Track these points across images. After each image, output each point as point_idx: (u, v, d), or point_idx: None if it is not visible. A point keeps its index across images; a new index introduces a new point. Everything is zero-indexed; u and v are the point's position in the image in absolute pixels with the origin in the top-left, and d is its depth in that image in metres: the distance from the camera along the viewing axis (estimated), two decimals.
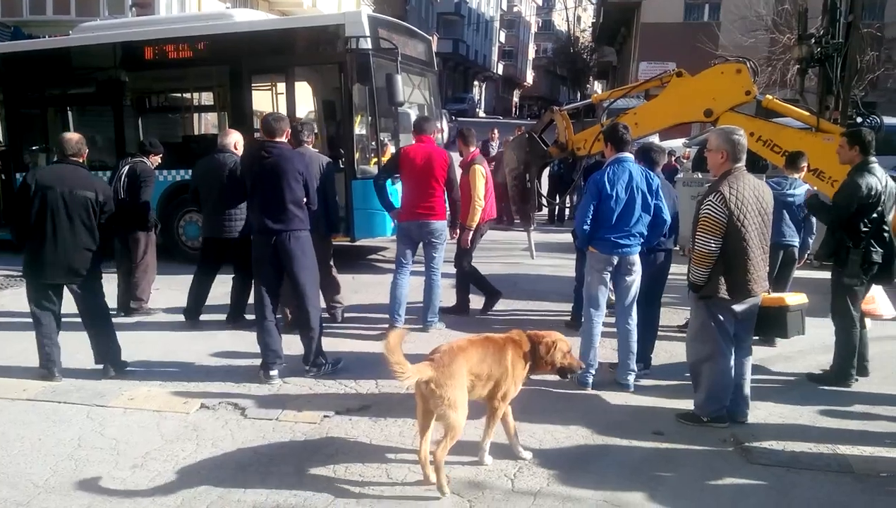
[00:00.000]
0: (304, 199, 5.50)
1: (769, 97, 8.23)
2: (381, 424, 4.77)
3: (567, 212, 14.58)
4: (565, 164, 13.13)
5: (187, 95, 11.27)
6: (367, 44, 8.76)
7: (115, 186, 7.18)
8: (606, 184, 5.32)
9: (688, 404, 5.10)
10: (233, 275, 7.08)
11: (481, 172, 7.21)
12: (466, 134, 7.63)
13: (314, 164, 6.29)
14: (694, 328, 4.87)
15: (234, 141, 6.99)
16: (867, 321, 5.92)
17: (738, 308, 4.64)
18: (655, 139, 19.72)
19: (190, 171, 7.64)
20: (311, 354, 5.64)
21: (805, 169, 6.82)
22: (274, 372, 5.50)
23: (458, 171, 7.14)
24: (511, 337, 4.24)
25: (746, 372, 4.87)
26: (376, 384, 5.48)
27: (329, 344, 6.41)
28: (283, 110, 10.20)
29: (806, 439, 4.64)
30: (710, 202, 4.51)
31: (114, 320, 6.98)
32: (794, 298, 5.24)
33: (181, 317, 7.15)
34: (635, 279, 5.46)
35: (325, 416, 4.88)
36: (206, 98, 11.21)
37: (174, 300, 7.51)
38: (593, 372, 5.49)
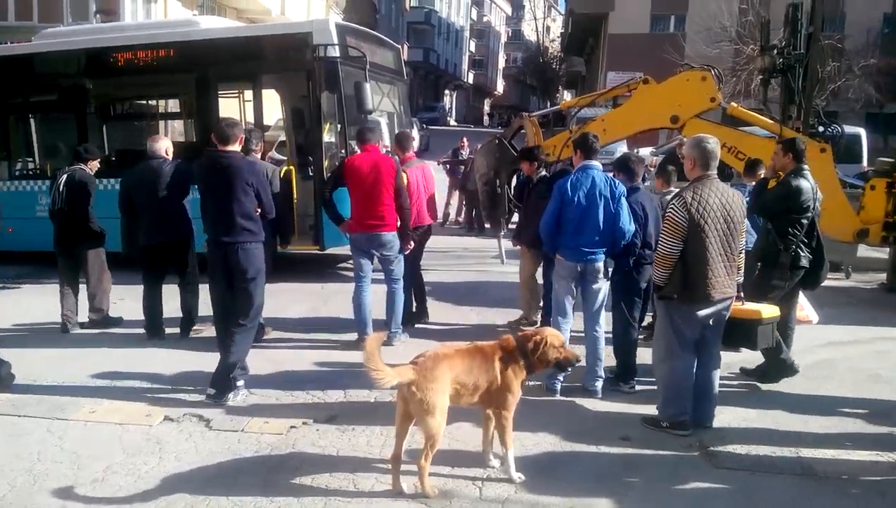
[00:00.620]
0: (258, 210, 5.37)
1: (734, 105, 8.39)
2: (349, 434, 4.73)
3: None
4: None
5: (153, 103, 11.13)
6: (334, 52, 8.73)
7: (53, 196, 7.03)
8: (569, 189, 5.37)
9: (653, 411, 5.16)
10: (178, 283, 7.02)
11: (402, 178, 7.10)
12: (401, 138, 7.53)
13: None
14: (657, 329, 4.97)
15: (165, 147, 6.90)
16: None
17: (702, 313, 4.67)
18: (623, 147, 20.00)
19: None
20: (228, 375, 5.27)
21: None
22: (241, 383, 5.39)
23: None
24: (500, 343, 4.21)
25: (713, 379, 4.88)
26: (344, 394, 5.43)
27: (296, 355, 6.38)
28: (250, 118, 10.14)
29: (770, 443, 4.70)
30: (672, 205, 4.61)
31: (71, 332, 6.86)
32: (768, 310, 5.23)
33: (143, 328, 7.03)
34: (601, 286, 5.50)
35: (291, 427, 4.82)
36: (173, 105, 11.08)
37: (139, 310, 7.36)
38: (561, 378, 5.50)
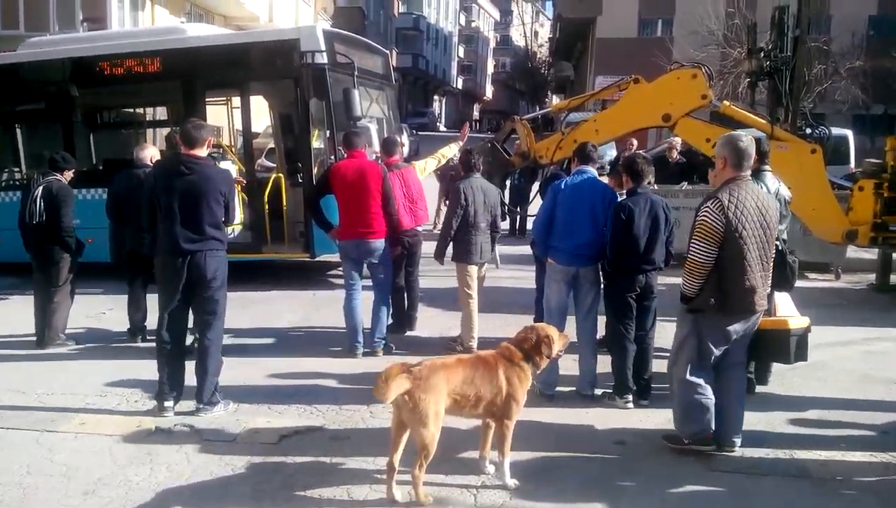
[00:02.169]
0: (224, 219, 5.18)
1: (726, 103, 8.40)
2: (341, 443, 4.70)
3: (528, 223, 14.63)
4: (525, 177, 13.19)
5: (140, 111, 11.08)
6: (322, 58, 8.71)
7: (31, 209, 6.70)
8: (563, 191, 5.38)
9: (648, 414, 5.16)
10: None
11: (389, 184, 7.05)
12: (386, 143, 7.51)
13: None
14: (678, 340, 4.57)
15: (151, 155, 6.85)
16: None
17: (732, 327, 4.37)
18: (612, 150, 20.04)
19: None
20: (208, 389, 5.16)
21: None
22: (169, 404, 5.13)
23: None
24: (501, 352, 4.17)
25: (737, 396, 4.58)
26: (337, 402, 5.40)
27: (288, 364, 6.34)
28: (238, 126, 10.12)
29: (764, 445, 4.70)
30: (706, 209, 4.24)
31: (33, 351, 6.65)
32: (796, 321, 4.95)
33: (132, 337, 6.99)
34: (593, 290, 5.49)
35: (283, 436, 4.78)
36: (160, 113, 11.03)
37: (126, 321, 7.29)
38: (554, 382, 5.49)
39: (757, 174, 5.68)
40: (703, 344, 4.39)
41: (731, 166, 4.33)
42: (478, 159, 6.92)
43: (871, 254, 10.25)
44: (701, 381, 4.42)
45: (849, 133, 15.79)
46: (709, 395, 4.43)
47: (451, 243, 6.66)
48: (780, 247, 5.61)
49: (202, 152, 5.14)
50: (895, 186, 8.51)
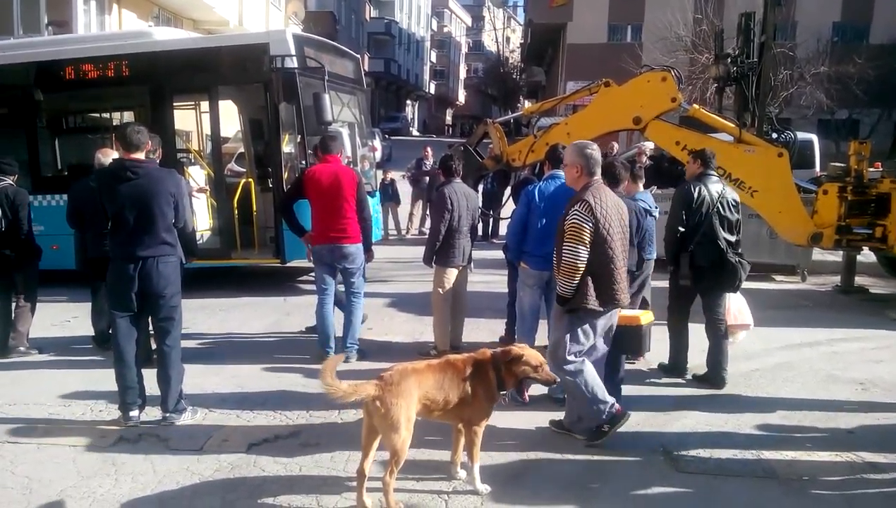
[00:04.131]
0: (174, 221, 5.03)
1: (696, 106, 8.51)
2: (312, 451, 4.64)
3: (500, 227, 14.68)
4: (498, 181, 13.25)
5: (107, 116, 10.91)
6: (292, 62, 8.66)
7: None
8: (536, 196, 5.40)
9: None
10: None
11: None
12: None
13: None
14: (556, 340, 4.67)
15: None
16: (741, 334, 6.15)
17: (602, 321, 4.61)
18: None
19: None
20: (173, 396, 5.07)
21: None
22: (134, 413, 5.04)
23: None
24: (474, 357, 4.15)
25: (610, 385, 4.91)
26: (307, 410, 5.34)
27: (257, 371, 6.27)
28: (207, 130, 10.00)
29: (731, 446, 4.75)
30: (576, 212, 4.41)
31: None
32: (646, 316, 5.26)
33: (97, 345, 6.86)
34: None
35: (252, 445, 4.71)
36: (127, 118, 10.85)
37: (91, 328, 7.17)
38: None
39: (701, 178, 5.96)
40: (580, 339, 4.57)
41: (586, 173, 4.57)
42: (458, 164, 6.94)
43: (836, 257, 10.45)
44: (584, 369, 4.62)
45: (814, 137, 16.08)
46: (596, 379, 4.66)
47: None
48: (721, 247, 5.81)
49: (142, 155, 5.00)
50: (859, 190, 8.67)
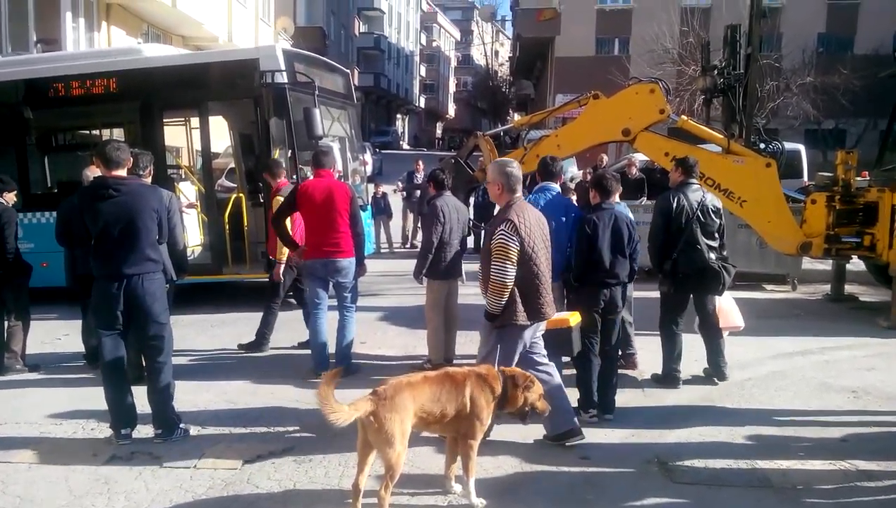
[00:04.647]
0: (157, 237, 5.00)
1: (684, 118, 8.57)
2: (306, 466, 4.62)
3: None
4: (488, 194, 13.26)
5: (97, 133, 10.88)
6: (282, 78, 8.68)
7: None
8: None
9: (612, 428, 5.21)
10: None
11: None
12: (271, 165, 7.54)
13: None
14: (483, 355, 4.71)
15: None
16: (724, 333, 6.30)
17: (528, 333, 4.67)
18: (573, 165, 20.17)
19: None
20: (164, 413, 5.04)
21: None
22: (126, 431, 5.00)
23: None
24: (475, 370, 4.17)
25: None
26: (300, 425, 5.32)
27: (249, 387, 6.24)
28: (197, 146, 10.00)
29: (726, 455, 4.75)
30: (502, 232, 4.45)
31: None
32: (574, 318, 5.35)
33: (88, 363, 6.79)
34: (559, 306, 5.51)
35: (245, 461, 4.68)
36: (117, 135, 10.82)
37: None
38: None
39: (682, 186, 6.07)
40: (509, 353, 4.60)
41: (507, 191, 4.62)
42: (448, 177, 6.98)
43: (826, 265, 10.51)
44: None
45: (801, 147, 16.21)
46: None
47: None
48: (705, 254, 5.93)
49: (124, 172, 4.98)
50: (847, 199, 8.74)
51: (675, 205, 5.97)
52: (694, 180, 6.18)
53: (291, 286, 7.51)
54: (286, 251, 6.96)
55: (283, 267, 7.12)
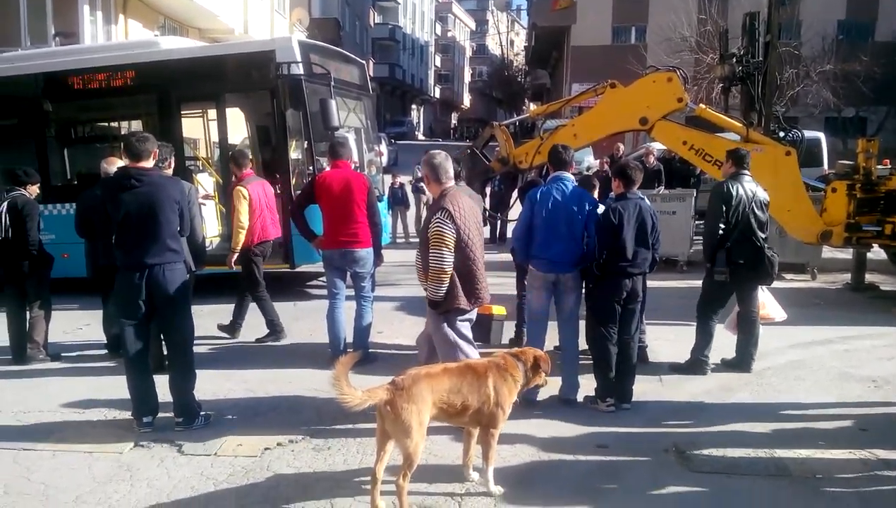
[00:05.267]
0: (178, 228, 5.06)
1: (702, 106, 8.51)
2: (325, 454, 4.67)
3: (508, 229, 14.68)
4: (505, 183, 13.26)
5: (115, 125, 10.98)
6: (298, 69, 8.70)
7: None
8: (539, 200, 5.40)
9: (629, 417, 5.21)
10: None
11: (243, 194, 7.20)
12: (237, 156, 7.64)
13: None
14: (437, 341, 4.87)
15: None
16: (760, 325, 6.32)
17: (468, 317, 4.86)
18: (589, 155, 20.06)
19: None
20: (185, 402, 5.11)
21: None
22: (148, 419, 5.07)
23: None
24: (494, 362, 4.20)
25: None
26: (318, 413, 5.36)
27: (270, 375, 6.29)
28: (214, 137, 10.06)
29: (744, 444, 4.74)
30: (439, 220, 4.56)
31: (9, 368, 6.56)
32: (498, 309, 5.58)
33: (110, 352, 6.89)
34: (574, 296, 5.52)
35: (265, 448, 4.74)
36: (136, 127, 10.91)
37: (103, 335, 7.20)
38: (537, 388, 5.49)
39: (736, 177, 5.98)
40: (452, 331, 4.78)
41: (435, 182, 4.77)
42: (461, 168, 6.99)
43: (846, 254, 10.41)
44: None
45: (821, 135, 16.04)
46: None
47: None
48: (758, 244, 5.90)
49: (149, 164, 5.04)
50: (867, 187, 8.65)
51: (734, 193, 5.99)
52: (747, 171, 6.18)
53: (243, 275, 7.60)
54: (241, 239, 7.19)
55: (236, 255, 7.27)
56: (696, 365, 6.20)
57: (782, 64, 20.23)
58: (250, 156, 8.01)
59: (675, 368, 6.25)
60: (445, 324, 4.77)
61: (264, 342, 7.44)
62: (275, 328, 7.50)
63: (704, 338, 6.20)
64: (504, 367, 4.16)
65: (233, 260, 7.31)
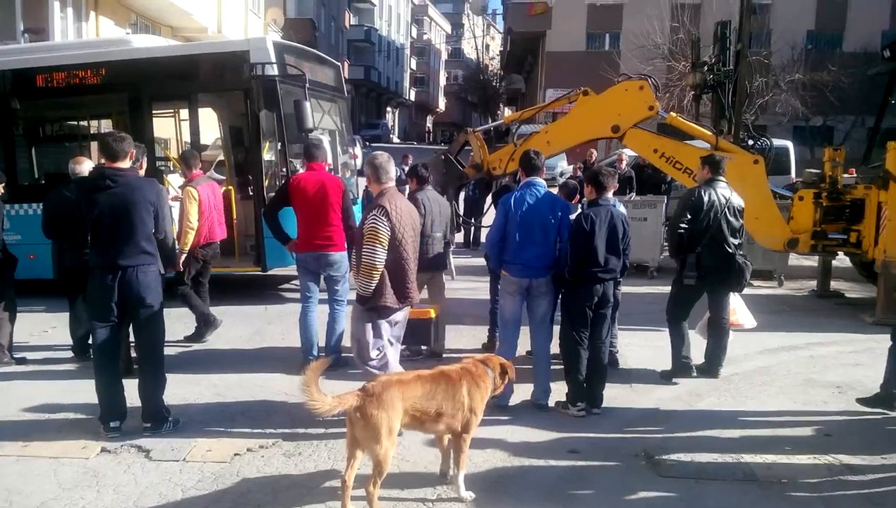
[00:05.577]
0: (153, 230, 5.01)
1: (673, 114, 8.60)
2: (295, 460, 4.64)
3: (482, 234, 14.71)
4: (479, 189, 13.28)
5: (85, 124, 10.81)
6: (273, 70, 8.64)
7: None
8: (513, 206, 5.43)
9: (601, 422, 5.25)
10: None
11: (193, 195, 7.21)
12: (187, 156, 7.70)
13: None
14: (356, 336, 4.97)
15: (89, 169, 6.59)
16: (730, 331, 6.41)
17: (396, 316, 4.95)
18: (563, 161, 20.18)
19: None
20: (154, 407, 5.05)
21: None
22: (115, 424, 4.99)
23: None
24: (467, 368, 4.22)
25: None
26: (290, 418, 5.31)
27: (240, 380, 6.24)
28: (186, 137, 9.94)
29: (713, 450, 4.80)
30: (374, 216, 4.70)
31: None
32: (433, 311, 5.90)
33: (77, 355, 6.80)
34: (546, 301, 5.54)
35: (235, 454, 4.69)
36: (106, 126, 10.77)
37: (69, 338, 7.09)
38: (509, 392, 5.52)
39: (710, 183, 6.09)
40: (381, 334, 4.90)
41: (375, 181, 4.94)
42: (428, 172, 7.03)
43: (813, 262, 10.60)
44: (387, 361, 4.91)
45: (789, 144, 16.31)
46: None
47: None
48: (729, 250, 6.01)
49: (125, 164, 4.98)
50: (834, 196, 8.80)
51: (706, 199, 6.04)
52: (722, 177, 6.24)
53: (194, 278, 7.57)
54: (190, 240, 7.18)
55: (184, 256, 7.21)
56: (680, 368, 6.21)
57: (752, 72, 20.49)
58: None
59: (665, 376, 6.24)
60: (367, 322, 4.85)
61: (192, 340, 7.41)
62: (206, 320, 7.47)
63: (679, 341, 6.24)
64: (477, 374, 4.19)
65: (181, 261, 7.21)
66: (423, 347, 6.64)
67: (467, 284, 9.33)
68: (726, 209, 6.08)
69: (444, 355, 6.61)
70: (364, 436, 3.76)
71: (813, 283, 10.25)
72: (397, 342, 5.17)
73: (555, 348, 5.70)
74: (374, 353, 4.87)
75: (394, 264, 4.76)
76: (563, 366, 5.57)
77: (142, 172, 5.84)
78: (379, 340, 4.87)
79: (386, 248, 4.68)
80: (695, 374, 6.20)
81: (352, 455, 3.86)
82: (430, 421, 4.00)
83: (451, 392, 4.04)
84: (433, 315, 5.73)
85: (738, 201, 6.22)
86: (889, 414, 5.43)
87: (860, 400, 5.57)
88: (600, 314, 5.47)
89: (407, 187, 13.42)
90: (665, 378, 6.24)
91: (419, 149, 35.83)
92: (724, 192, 6.15)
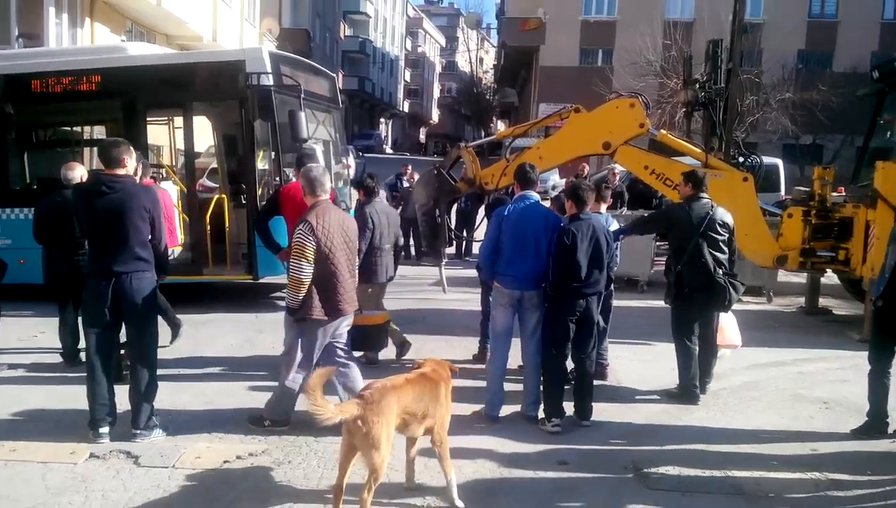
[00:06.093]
0: (150, 237, 5.02)
1: (663, 132, 8.69)
2: (285, 468, 4.63)
3: (474, 247, 14.74)
4: (472, 201, 13.33)
5: (79, 130, 10.81)
6: (268, 80, 8.67)
7: None
8: (506, 218, 5.47)
9: (590, 434, 5.27)
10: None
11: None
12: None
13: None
14: (288, 345, 5.18)
15: (81, 174, 6.60)
16: (725, 350, 6.46)
17: (330, 327, 5.01)
18: (555, 174, 20.26)
19: None
20: (145, 413, 5.02)
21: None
22: (104, 430, 4.97)
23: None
24: (437, 369, 4.31)
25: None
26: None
27: (230, 388, 6.23)
28: (181, 146, 9.95)
29: (701, 464, 4.83)
30: (299, 231, 4.80)
31: None
32: (383, 316, 6.08)
33: (66, 360, 6.77)
34: (537, 313, 5.57)
35: (224, 461, 4.68)
36: (99, 132, 10.77)
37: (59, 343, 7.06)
38: (499, 404, 5.54)
39: (690, 199, 6.05)
40: (310, 345, 5.00)
41: (310, 194, 5.01)
42: (376, 184, 7.18)
43: (801, 278, 10.68)
44: (301, 376, 4.95)
45: (779, 162, 16.46)
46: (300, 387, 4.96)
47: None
48: (709, 269, 5.92)
49: (122, 171, 4.99)
50: (822, 214, 8.89)
51: (683, 216, 6.05)
52: (704, 193, 6.17)
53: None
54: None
55: None
56: (685, 393, 6.07)
57: (743, 91, 20.74)
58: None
59: (671, 395, 6.16)
60: (297, 332, 5.01)
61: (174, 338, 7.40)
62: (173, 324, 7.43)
63: (686, 362, 6.06)
64: (446, 375, 4.33)
65: None
66: (360, 353, 6.57)
67: (459, 295, 9.36)
68: (707, 226, 5.96)
69: (378, 363, 6.76)
70: (364, 444, 3.77)
71: (801, 300, 10.32)
72: (343, 349, 5.24)
73: None
74: (293, 374, 5.00)
75: (321, 278, 4.84)
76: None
77: (136, 179, 5.84)
78: (307, 350, 4.97)
79: (311, 263, 4.76)
80: (698, 403, 6.02)
81: (346, 462, 3.88)
82: (415, 423, 4.05)
83: (434, 392, 4.14)
84: (381, 321, 5.95)
85: (722, 215, 6.10)
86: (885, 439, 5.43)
87: (855, 432, 5.47)
88: (584, 329, 5.48)
89: (401, 194, 13.44)
90: (671, 397, 6.14)
91: (413, 160, 35.90)
92: (704, 209, 6.03)
